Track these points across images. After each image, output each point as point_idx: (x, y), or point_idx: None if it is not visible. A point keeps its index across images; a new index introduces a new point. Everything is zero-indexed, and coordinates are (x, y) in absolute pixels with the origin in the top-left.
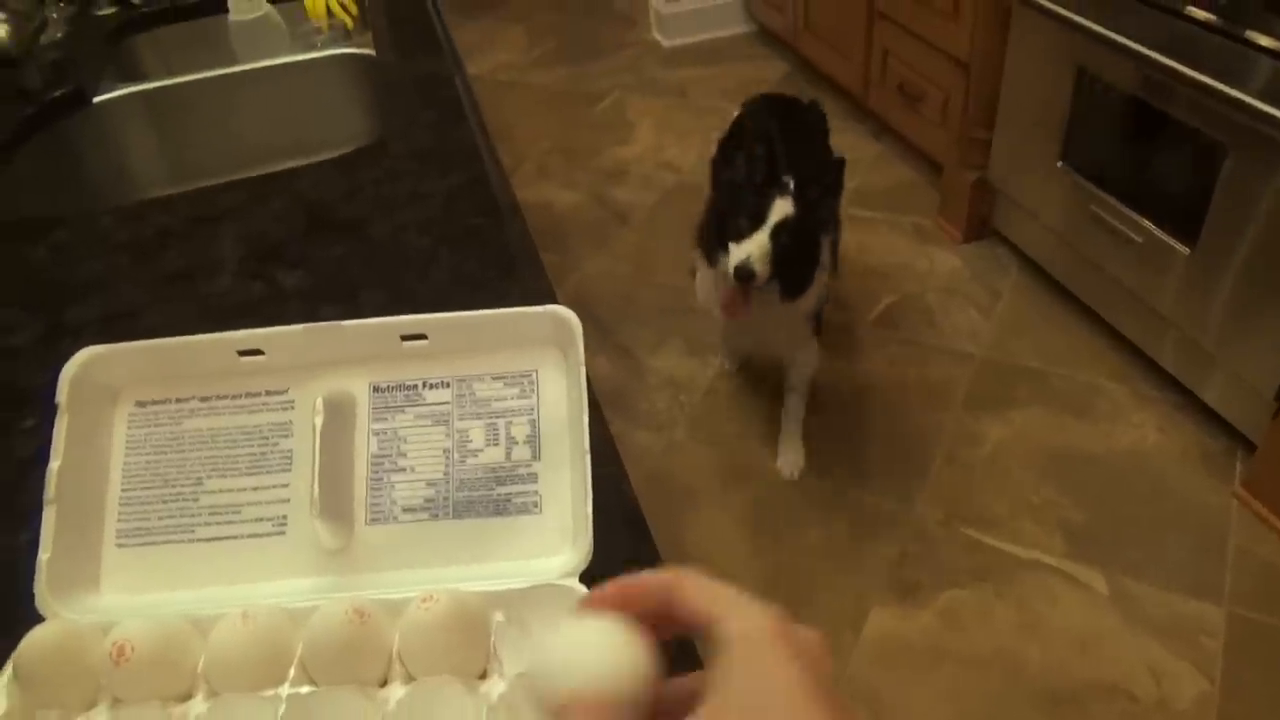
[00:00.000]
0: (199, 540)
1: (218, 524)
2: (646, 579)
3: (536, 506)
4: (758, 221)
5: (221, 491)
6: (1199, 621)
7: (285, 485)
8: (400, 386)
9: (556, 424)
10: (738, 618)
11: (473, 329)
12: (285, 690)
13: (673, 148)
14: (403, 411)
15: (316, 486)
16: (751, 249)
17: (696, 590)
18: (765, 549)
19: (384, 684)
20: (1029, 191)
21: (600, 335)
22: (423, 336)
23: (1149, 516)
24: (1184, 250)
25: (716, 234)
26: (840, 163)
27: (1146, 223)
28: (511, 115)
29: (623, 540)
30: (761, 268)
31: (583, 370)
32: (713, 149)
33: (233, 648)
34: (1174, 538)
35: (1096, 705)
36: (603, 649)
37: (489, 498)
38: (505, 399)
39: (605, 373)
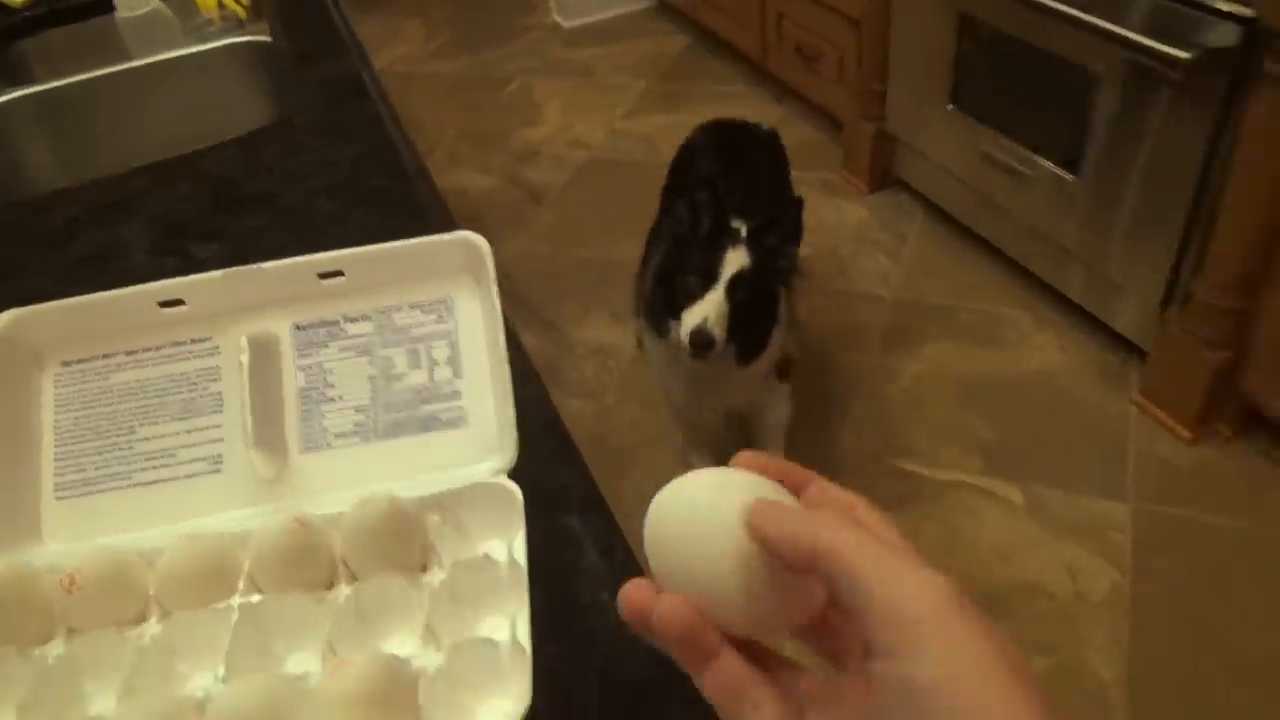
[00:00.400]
0: (137, 485)
1: (154, 468)
2: (785, 465)
3: (462, 420)
4: (709, 279)
5: (155, 438)
6: (1107, 520)
7: (218, 426)
8: (322, 323)
9: (474, 343)
10: (911, 582)
11: (387, 261)
12: (236, 601)
13: (581, 125)
14: (326, 346)
15: (249, 418)
16: (707, 311)
17: (831, 486)
18: None
19: (330, 588)
20: (925, 138)
21: (525, 312)
22: (340, 274)
23: (1056, 430)
24: (1070, 179)
25: (664, 298)
26: (798, 204)
27: (1034, 156)
28: (417, 106)
29: (546, 444)
30: (720, 332)
31: (495, 291)
32: (618, 123)
33: (181, 568)
34: (1080, 446)
35: (1020, 605)
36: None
37: (416, 417)
38: (424, 325)
39: (533, 347)
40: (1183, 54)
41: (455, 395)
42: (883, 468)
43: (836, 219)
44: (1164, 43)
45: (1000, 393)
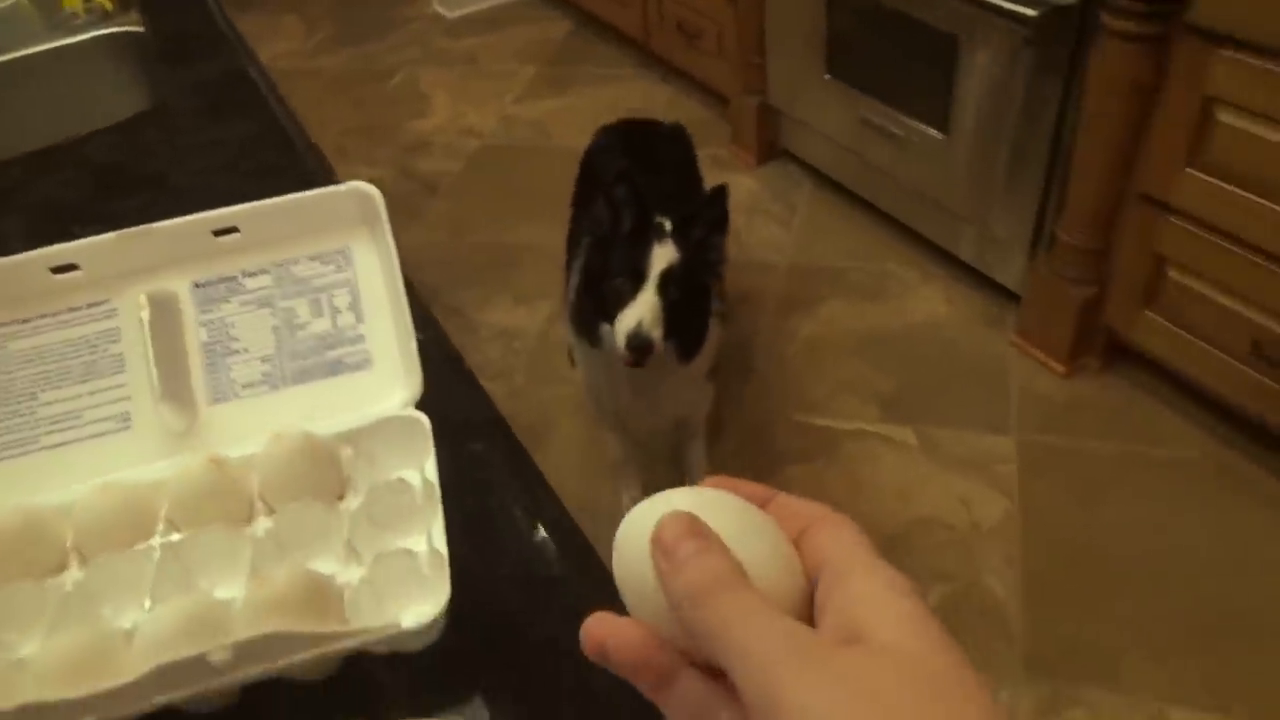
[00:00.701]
0: (44, 449)
1: (60, 431)
2: (747, 484)
3: (368, 362)
4: (639, 279)
5: (58, 402)
6: (994, 453)
7: (122, 385)
8: (220, 280)
9: (374, 289)
10: (841, 542)
11: (281, 216)
12: (157, 541)
13: (471, 114)
14: (227, 301)
15: (155, 371)
16: (642, 313)
17: (796, 506)
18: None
19: (249, 522)
20: (806, 108)
21: (427, 299)
22: (234, 230)
23: (944, 374)
24: (940, 138)
25: (592, 305)
26: (722, 192)
27: (907, 119)
28: (300, 103)
29: (449, 379)
30: (657, 333)
31: (389, 237)
32: (509, 109)
33: (97, 517)
34: (967, 388)
35: (920, 538)
36: (711, 505)
37: (322, 362)
38: (323, 275)
39: None
40: (1031, 12)
41: (359, 339)
42: (786, 423)
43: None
44: (1014, 2)
45: (891, 345)
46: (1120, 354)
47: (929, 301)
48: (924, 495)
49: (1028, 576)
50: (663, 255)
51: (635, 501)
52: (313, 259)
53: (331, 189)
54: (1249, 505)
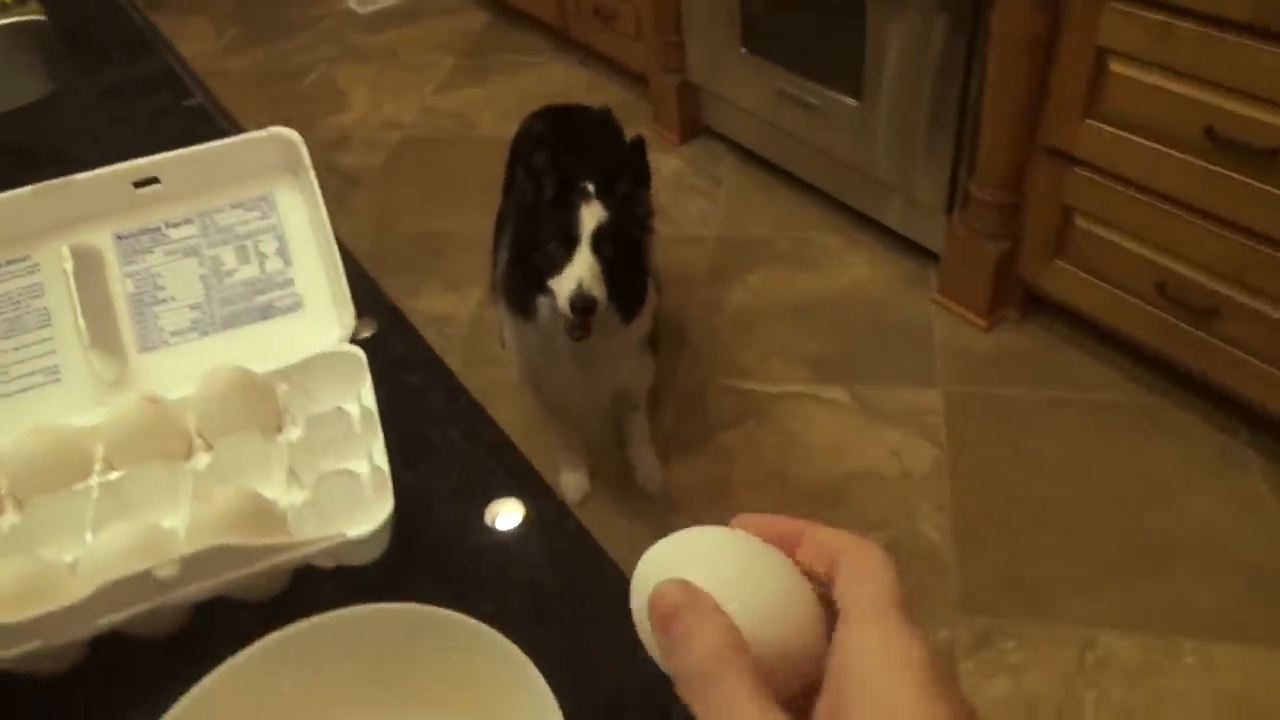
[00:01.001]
0: None
1: None
2: (778, 520)
3: (299, 305)
4: (571, 241)
5: None
6: (922, 405)
7: (49, 339)
8: (143, 231)
9: (301, 234)
10: (858, 579)
11: (202, 164)
12: (94, 480)
13: (391, 106)
14: (151, 252)
15: (82, 321)
16: (580, 273)
17: (823, 538)
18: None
19: (188, 459)
20: (725, 84)
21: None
22: (155, 180)
23: (871, 334)
24: (855, 105)
25: (525, 276)
26: (640, 145)
27: (822, 88)
28: None
29: (383, 322)
30: (600, 290)
31: (314, 181)
32: (430, 100)
33: (29, 460)
34: (893, 346)
35: (855, 491)
36: (733, 551)
37: (252, 307)
38: (247, 222)
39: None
40: None
41: (289, 283)
42: (720, 388)
43: (653, 170)
44: None
45: (819, 309)
46: (1037, 304)
47: (854, 267)
48: (857, 449)
49: (959, 520)
50: (591, 215)
51: (578, 485)
52: (236, 207)
53: (252, 135)
54: (1162, 440)
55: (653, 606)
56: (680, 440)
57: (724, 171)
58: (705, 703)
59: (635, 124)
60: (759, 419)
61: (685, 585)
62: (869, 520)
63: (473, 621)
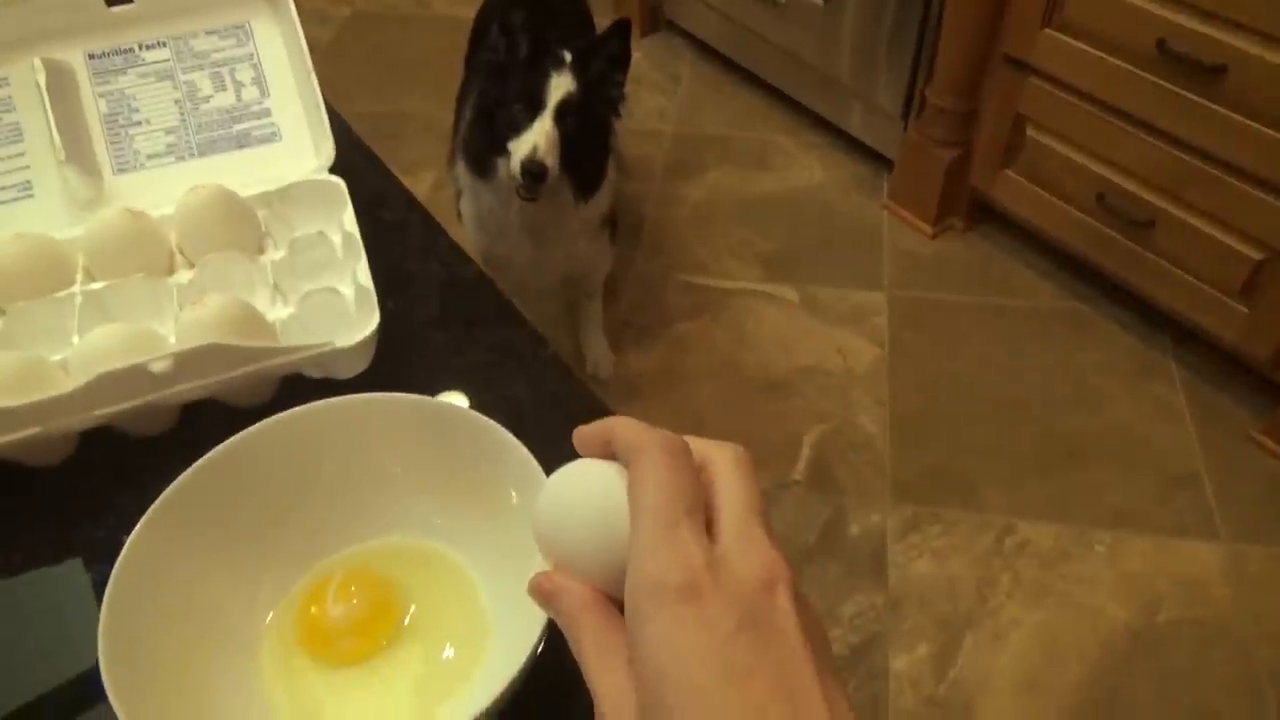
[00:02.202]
0: None
1: None
2: (591, 429)
3: (276, 135)
4: (536, 106)
5: None
6: (868, 307)
7: (21, 154)
8: (116, 51)
9: (278, 65)
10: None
11: None
12: (77, 289)
13: None
14: (124, 74)
15: (56, 136)
16: (537, 139)
17: (624, 430)
18: None
19: (170, 275)
20: None
21: None
22: (128, 0)
23: (823, 236)
24: (819, 4)
25: (485, 134)
26: (624, 27)
27: None
28: None
29: (358, 163)
30: (552, 160)
31: (293, 12)
32: None
33: (9, 264)
34: (843, 249)
35: (801, 384)
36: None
37: (229, 135)
38: (223, 50)
39: None
40: None
41: (265, 113)
42: (674, 283)
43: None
44: None
45: (773, 209)
46: (984, 215)
47: (808, 168)
48: (804, 346)
49: (896, 415)
50: (561, 85)
51: None
52: (211, 33)
53: None
54: (1090, 346)
55: (532, 590)
56: (636, 329)
57: (683, 68)
58: (575, 651)
59: (594, 16)
60: (713, 314)
61: (549, 576)
62: (813, 412)
63: (460, 408)
